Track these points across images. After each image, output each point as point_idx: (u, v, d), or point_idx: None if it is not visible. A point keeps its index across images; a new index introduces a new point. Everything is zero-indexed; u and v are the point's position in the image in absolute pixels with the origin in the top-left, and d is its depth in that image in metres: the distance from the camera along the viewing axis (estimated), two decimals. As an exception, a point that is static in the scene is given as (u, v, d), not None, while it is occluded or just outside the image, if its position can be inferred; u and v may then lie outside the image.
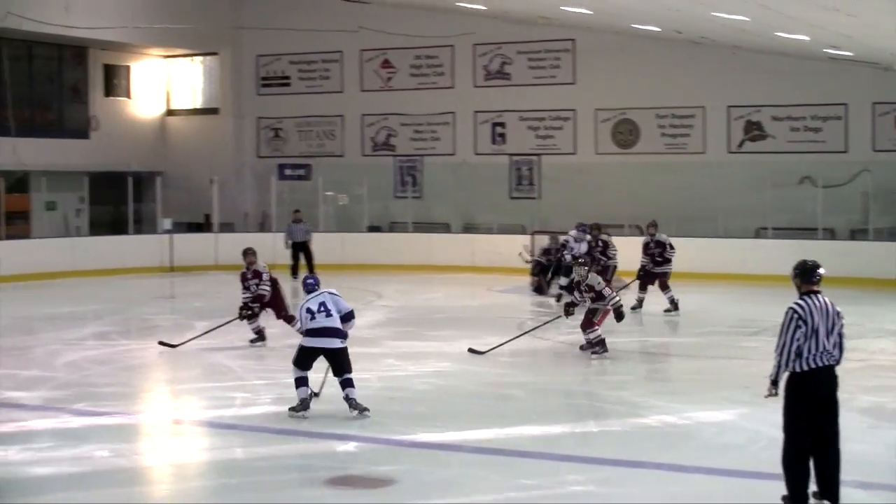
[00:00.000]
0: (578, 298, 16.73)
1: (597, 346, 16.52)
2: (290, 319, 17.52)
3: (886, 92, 29.72)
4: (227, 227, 33.65)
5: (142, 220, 34.25)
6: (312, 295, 12.84)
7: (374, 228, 33.74)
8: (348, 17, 34.53)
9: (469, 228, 32.71)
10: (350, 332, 12.87)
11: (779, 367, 8.91)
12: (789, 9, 19.56)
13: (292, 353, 12.96)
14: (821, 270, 9.15)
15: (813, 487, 8.98)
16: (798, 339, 8.80)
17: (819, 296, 8.97)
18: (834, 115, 30.42)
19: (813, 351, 8.80)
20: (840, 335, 8.90)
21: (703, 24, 25.25)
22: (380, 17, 34.38)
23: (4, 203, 30.54)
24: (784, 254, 26.52)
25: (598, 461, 10.20)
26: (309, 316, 12.63)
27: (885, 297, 22.73)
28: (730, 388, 14.12)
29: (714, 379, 14.96)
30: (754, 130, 31.28)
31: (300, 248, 29.35)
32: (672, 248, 22.04)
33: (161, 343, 17.60)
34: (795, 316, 8.84)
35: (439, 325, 20.06)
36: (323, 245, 30.54)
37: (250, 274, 17.72)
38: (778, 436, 11.16)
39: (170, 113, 37.96)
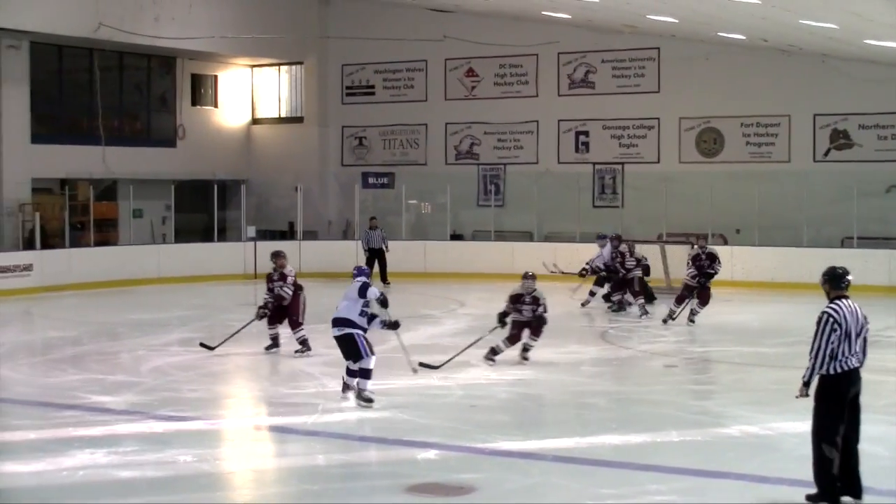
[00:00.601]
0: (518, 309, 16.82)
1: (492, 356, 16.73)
2: (295, 325, 17.67)
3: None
4: (310, 235, 33.89)
5: (226, 228, 34.65)
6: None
7: (456, 237, 33.79)
8: (433, 26, 34.70)
9: (551, 237, 32.64)
10: (380, 312, 13.92)
11: (812, 369, 9.30)
12: (881, 16, 19.34)
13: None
14: (849, 277, 9.59)
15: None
16: (832, 343, 9.18)
17: (849, 300, 9.36)
18: (922, 124, 30.06)
19: (846, 353, 9.20)
20: (865, 339, 9.35)
21: (790, 32, 25.07)
22: (464, 26, 34.51)
23: (93, 210, 30.98)
24: (870, 264, 26.36)
25: (678, 471, 10.15)
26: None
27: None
28: (811, 399, 13.94)
29: (796, 389, 14.78)
30: (840, 139, 30.95)
31: (376, 255, 29.48)
32: (720, 262, 21.69)
33: (201, 345, 17.88)
34: (831, 320, 9.23)
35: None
36: (405, 253, 30.68)
37: (276, 276, 17.86)
38: (864, 448, 11.10)
39: (255, 122, 38.38)
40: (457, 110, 35.63)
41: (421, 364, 15.84)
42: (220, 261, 31.24)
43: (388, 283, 28.90)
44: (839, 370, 9.23)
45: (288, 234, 34.71)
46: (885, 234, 28.86)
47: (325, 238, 34.51)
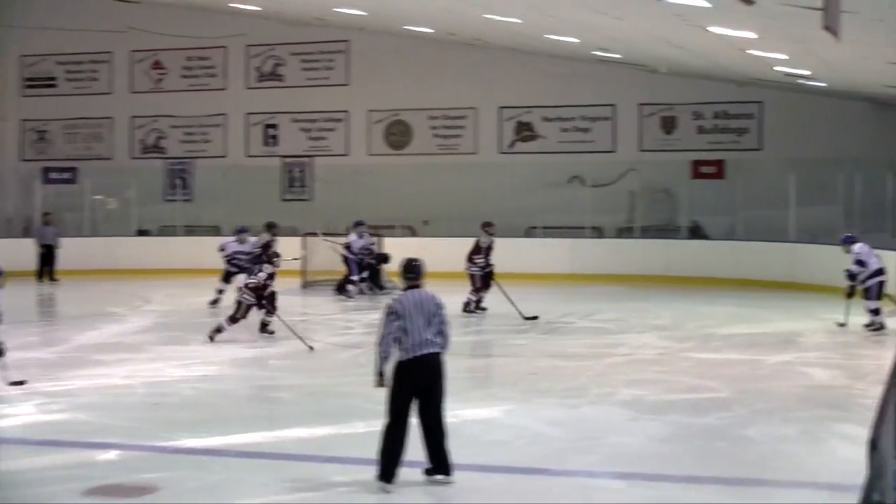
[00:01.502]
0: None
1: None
2: None
3: (652, 93, 30.54)
4: (-14, 232, 32.63)
5: None
6: None
7: (143, 232, 33.08)
8: (118, 17, 33.91)
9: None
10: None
11: (381, 358, 9.56)
12: (560, 11, 19.82)
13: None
14: (418, 267, 9.96)
15: (426, 465, 9.63)
16: (393, 332, 9.48)
17: (418, 290, 9.75)
18: (602, 116, 31.15)
19: (414, 341, 9.45)
20: (442, 324, 9.65)
21: (476, 26, 25.45)
22: (150, 18, 33.84)
23: None
24: (555, 252, 27.14)
25: (364, 461, 10.08)
26: None
27: (651, 294, 23.27)
28: (497, 385, 14.32)
29: (482, 377, 15.08)
30: (525, 131, 31.76)
31: (49, 251, 28.68)
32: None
33: None
34: (391, 311, 9.53)
35: (208, 328, 19.71)
36: (91, 250, 29.89)
37: None
38: (543, 430, 11.44)
39: (-74, 115, 36.54)
40: (143, 103, 34.92)
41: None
42: None
43: (56, 280, 28.34)
44: (407, 357, 9.47)
45: (-36, 231, 33.32)
46: (568, 223, 29.76)
47: (4, 236, 33.16)
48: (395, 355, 9.52)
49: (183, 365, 16.01)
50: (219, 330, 17.68)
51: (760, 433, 11.66)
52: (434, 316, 9.63)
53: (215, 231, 32.21)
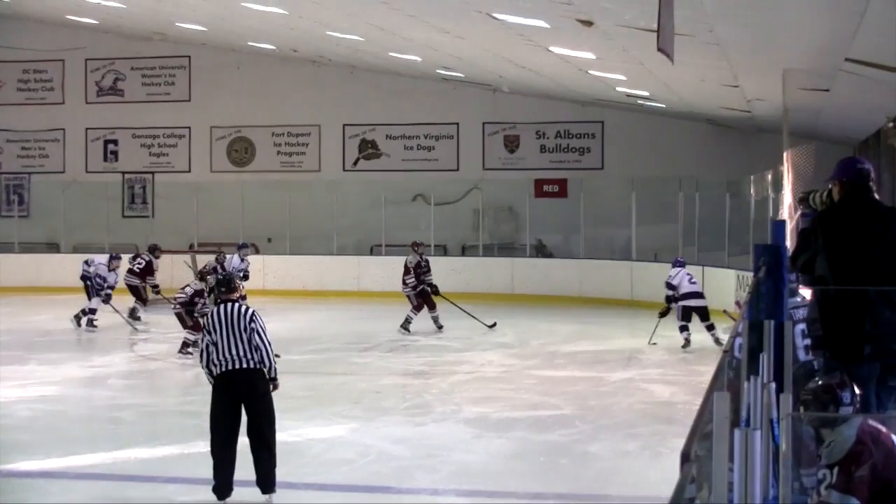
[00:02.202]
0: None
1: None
2: None
3: (495, 112, 30.76)
4: None
5: None
6: None
7: (-25, 250, 32.19)
8: (-50, 28, 32.99)
9: (79, 248, 31.64)
10: None
11: (205, 371, 9.69)
12: (402, 30, 19.86)
13: None
14: (232, 285, 10.14)
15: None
16: (208, 347, 9.57)
17: (230, 304, 9.72)
18: (446, 135, 31.27)
19: (223, 356, 9.48)
20: (260, 337, 9.58)
21: (318, 43, 25.42)
22: (-15, 28, 33.00)
23: None
24: (398, 270, 27.09)
25: (207, 481, 9.93)
26: None
27: (495, 311, 23.38)
28: (341, 403, 14.21)
29: (325, 395, 14.98)
30: (369, 149, 31.76)
31: None
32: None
33: None
34: (203, 326, 9.78)
35: (46, 347, 19.26)
36: None
37: None
38: (387, 448, 11.48)
39: None
40: (-24, 116, 34.00)
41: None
42: None
43: None
44: (219, 371, 9.52)
45: None
46: (412, 241, 29.80)
47: None
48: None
49: (20, 385, 15.59)
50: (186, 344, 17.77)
51: (603, 449, 11.80)
52: (247, 331, 9.55)
53: (55, 248, 31.56)
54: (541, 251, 29.56)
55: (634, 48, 15.59)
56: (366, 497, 10.09)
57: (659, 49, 8.65)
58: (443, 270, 27.33)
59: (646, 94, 23.50)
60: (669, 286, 19.38)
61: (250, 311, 9.70)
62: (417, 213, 30.16)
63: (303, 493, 9.97)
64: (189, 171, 32.83)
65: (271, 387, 9.67)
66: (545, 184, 30.07)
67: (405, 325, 21.32)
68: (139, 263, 23.56)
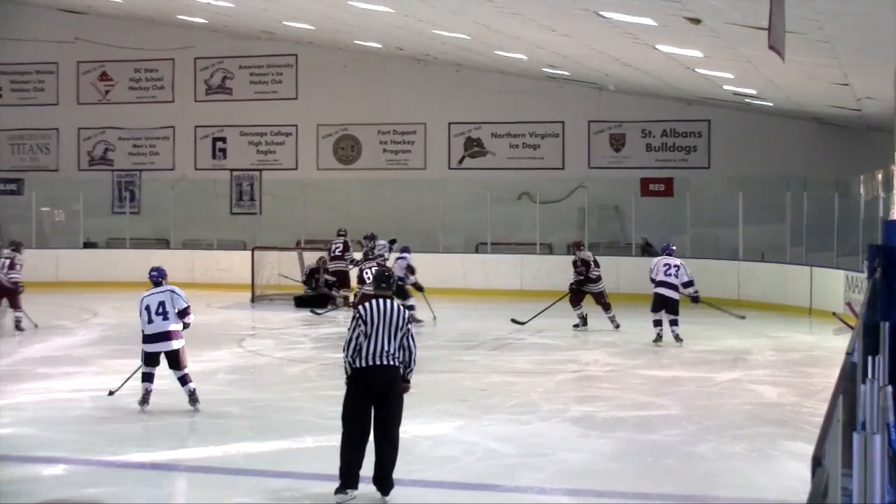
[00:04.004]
0: None
1: None
2: None
3: (600, 111, 30.60)
4: (-70, 246, 32.17)
5: None
6: (156, 291, 13.64)
7: (90, 245, 32.76)
8: (65, 27, 33.74)
9: (188, 244, 32.09)
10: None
11: (346, 362, 9.53)
12: (508, 28, 19.79)
13: None
14: (389, 278, 10.19)
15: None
16: (358, 338, 9.46)
17: (387, 301, 9.71)
18: (551, 133, 31.19)
19: (372, 350, 9.44)
20: (410, 339, 9.69)
21: (424, 41, 25.44)
22: (98, 29, 33.66)
23: None
24: (503, 268, 27.14)
25: (314, 476, 10.03)
26: (147, 317, 13.47)
27: (600, 310, 23.26)
28: (447, 401, 14.21)
29: (431, 393, 14.97)
30: (474, 147, 31.77)
31: None
32: (597, 265, 22.06)
33: None
34: (357, 316, 9.52)
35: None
36: (37, 262, 29.48)
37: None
38: (493, 446, 11.45)
39: None
40: (90, 115, 34.63)
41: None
42: None
43: None
44: (363, 364, 9.46)
45: None
46: (517, 239, 29.83)
47: (-53, 247, 32.83)
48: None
49: (132, 378, 15.77)
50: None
51: (709, 450, 11.68)
52: (400, 331, 9.58)
53: (164, 244, 32.03)
54: (647, 250, 29.35)
55: (742, 46, 15.49)
56: (472, 495, 10.07)
57: (770, 47, 8.56)
58: (549, 269, 27.33)
59: (753, 92, 23.26)
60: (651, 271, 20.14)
61: (405, 312, 9.75)
62: (522, 212, 30.14)
63: (410, 489, 9.94)
64: (296, 169, 33.11)
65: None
66: (651, 182, 29.89)
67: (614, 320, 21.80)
68: (337, 246, 24.43)
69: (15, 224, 31.61)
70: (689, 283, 19.94)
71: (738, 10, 12.41)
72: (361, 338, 9.47)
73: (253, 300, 26.47)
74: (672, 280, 19.80)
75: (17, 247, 22.36)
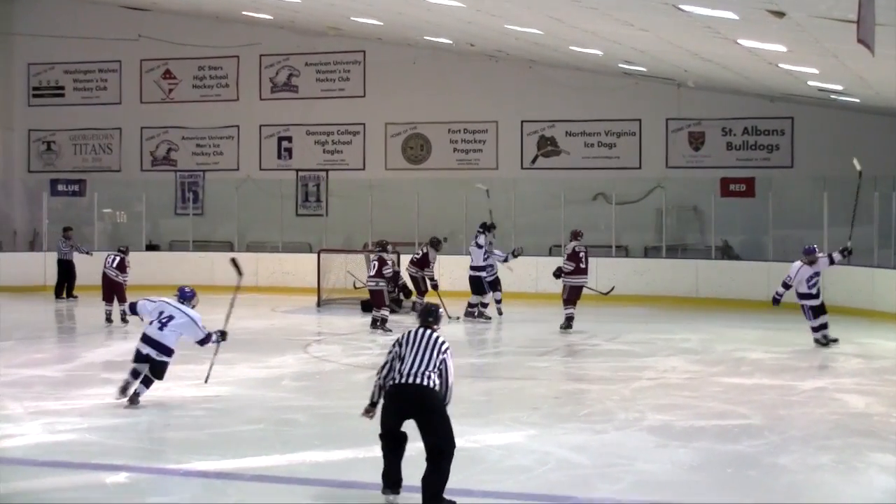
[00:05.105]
0: None
1: None
2: None
3: (679, 108, 30.00)
4: (-7, 246, 32.21)
5: None
6: (175, 304, 14.14)
7: (152, 247, 32.54)
8: (128, 25, 33.63)
9: (253, 247, 31.77)
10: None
11: (376, 384, 9.71)
12: (583, 22, 19.43)
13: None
14: (436, 311, 9.94)
15: None
16: (392, 360, 9.51)
17: (430, 331, 9.57)
18: (628, 131, 30.67)
19: (404, 369, 9.34)
20: (447, 369, 9.43)
21: (497, 37, 25.07)
22: (161, 26, 33.52)
23: None
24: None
25: (378, 486, 9.59)
26: (150, 319, 13.96)
27: (678, 315, 22.79)
28: (518, 409, 13.91)
29: (503, 400, 14.74)
30: (548, 146, 31.27)
31: (65, 267, 28.01)
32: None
33: None
34: (396, 342, 9.62)
35: (221, 347, 19.15)
36: (99, 265, 29.30)
37: None
38: (567, 456, 11.40)
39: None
40: (153, 114, 34.44)
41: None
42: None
43: (75, 297, 27.84)
44: (392, 382, 9.42)
45: (-31, 243, 32.85)
46: (592, 242, 29.10)
47: (10, 249, 32.72)
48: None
49: (195, 385, 15.50)
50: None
51: (793, 461, 11.30)
52: (437, 355, 9.39)
53: (228, 247, 31.68)
54: (727, 253, 28.79)
55: (828, 40, 15.12)
56: (545, 506, 9.78)
57: (859, 40, 8.24)
58: (624, 272, 26.76)
59: (839, 88, 22.73)
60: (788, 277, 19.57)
61: (446, 344, 9.49)
62: (598, 213, 29.60)
63: (480, 500, 9.71)
64: (363, 169, 32.72)
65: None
66: (731, 182, 29.09)
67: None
68: (416, 254, 24.32)
69: (79, 225, 31.34)
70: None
71: (824, 3, 12.07)
72: (395, 360, 9.44)
73: (319, 304, 26.10)
74: (814, 292, 19.37)
75: (125, 250, 23.88)
